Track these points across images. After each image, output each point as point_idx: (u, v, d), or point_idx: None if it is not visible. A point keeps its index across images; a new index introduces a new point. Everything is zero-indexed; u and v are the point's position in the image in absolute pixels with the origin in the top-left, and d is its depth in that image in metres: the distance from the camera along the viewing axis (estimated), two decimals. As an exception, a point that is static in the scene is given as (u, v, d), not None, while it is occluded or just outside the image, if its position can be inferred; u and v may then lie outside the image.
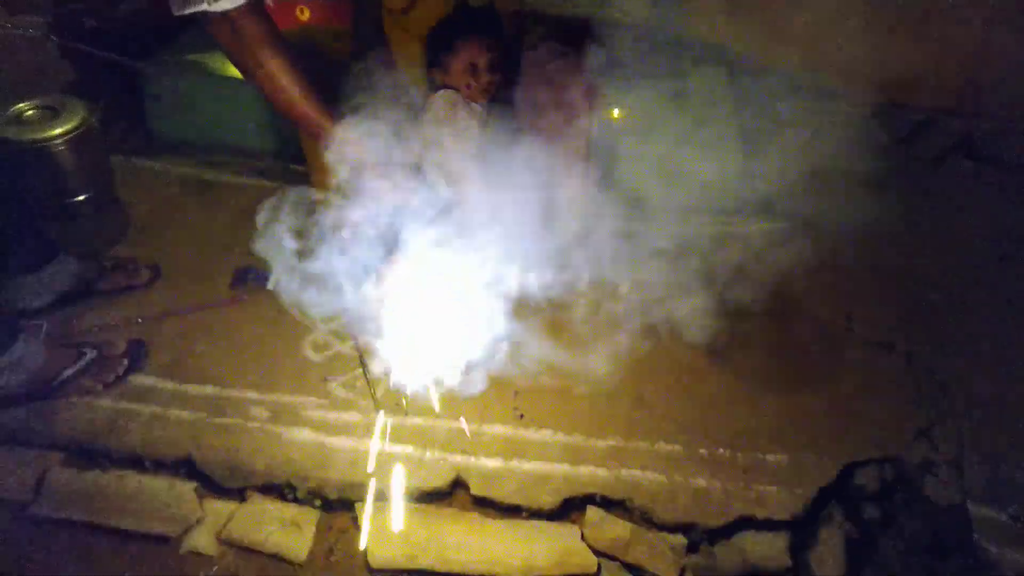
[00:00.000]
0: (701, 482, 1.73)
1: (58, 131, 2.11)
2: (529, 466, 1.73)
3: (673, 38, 3.13)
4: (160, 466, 1.71)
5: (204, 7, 1.45)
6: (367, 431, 1.75)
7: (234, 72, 2.52)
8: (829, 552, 1.62)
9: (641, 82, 2.73)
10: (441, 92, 2.05)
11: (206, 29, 1.52)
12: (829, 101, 3.14)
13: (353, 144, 1.66)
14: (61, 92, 2.37)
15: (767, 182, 2.69)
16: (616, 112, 2.56)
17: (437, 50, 2.05)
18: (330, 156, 1.66)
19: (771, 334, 2.11)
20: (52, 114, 2.16)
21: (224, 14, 1.47)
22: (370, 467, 1.65)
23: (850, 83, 3.00)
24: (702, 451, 1.79)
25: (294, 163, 2.57)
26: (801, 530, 1.66)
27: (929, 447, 1.83)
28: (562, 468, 1.74)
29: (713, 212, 2.56)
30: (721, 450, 1.79)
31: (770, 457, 1.78)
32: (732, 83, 2.88)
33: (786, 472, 1.75)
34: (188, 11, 1.46)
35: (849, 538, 1.65)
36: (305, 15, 2.54)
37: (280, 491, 1.69)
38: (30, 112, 2.16)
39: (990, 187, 2.79)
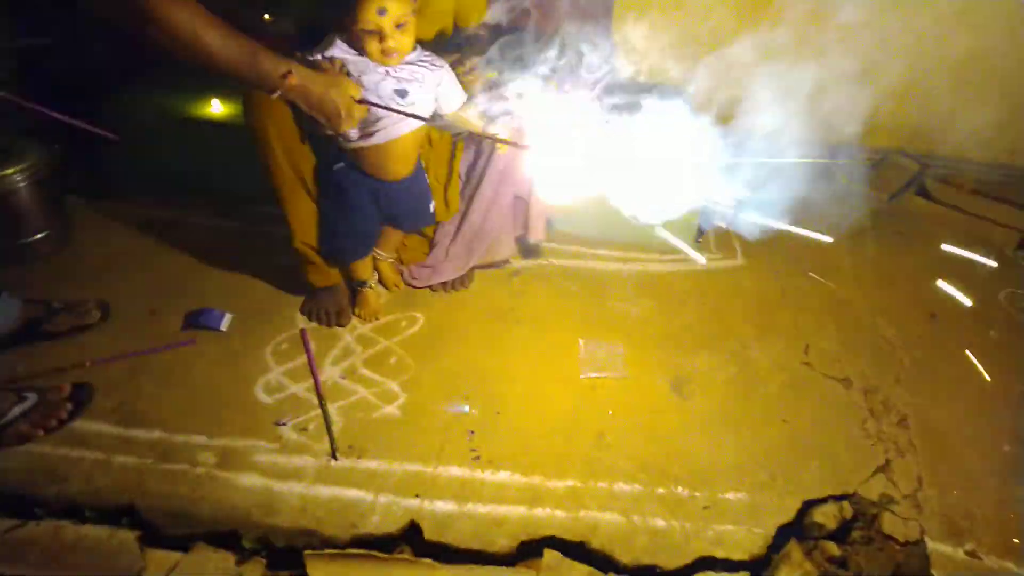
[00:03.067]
0: (660, 522, 1.70)
1: (8, 172, 2.09)
2: (485, 509, 1.69)
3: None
4: (102, 515, 1.65)
5: None
6: (319, 476, 1.71)
7: (196, 112, 2.55)
8: (788, 592, 1.59)
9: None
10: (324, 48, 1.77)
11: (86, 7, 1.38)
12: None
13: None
14: (21, 134, 2.33)
15: (724, 220, 2.73)
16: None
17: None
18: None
19: (731, 370, 2.11)
20: (4, 156, 2.13)
21: None
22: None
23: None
24: (661, 490, 1.77)
25: (255, 204, 2.55)
26: (760, 569, 1.64)
27: (887, 483, 1.83)
28: (519, 510, 1.70)
29: (672, 247, 2.59)
30: (680, 489, 1.77)
31: (730, 496, 1.76)
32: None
33: (745, 511, 1.73)
34: None
35: (809, 577, 1.63)
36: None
37: (226, 540, 1.63)
38: (-20, 153, 2.13)
39: (940, 223, 2.86)
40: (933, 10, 2.96)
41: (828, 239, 2.55)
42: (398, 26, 1.74)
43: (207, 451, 1.76)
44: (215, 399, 1.88)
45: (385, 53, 1.77)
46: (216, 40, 1.46)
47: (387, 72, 1.81)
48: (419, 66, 1.86)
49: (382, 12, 1.71)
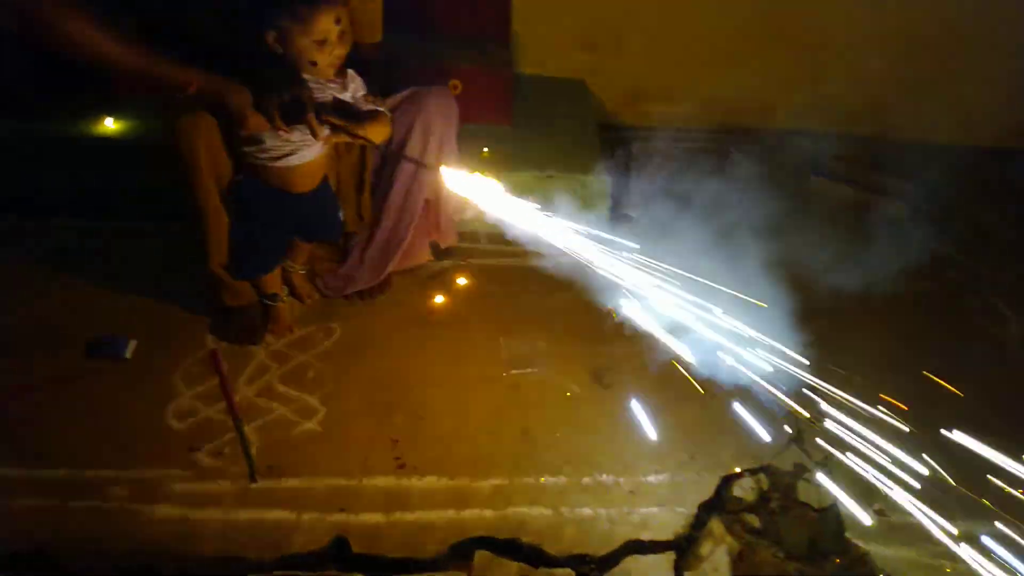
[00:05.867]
0: (587, 511, 1.73)
1: None
2: (413, 516, 1.69)
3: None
4: (8, 564, 1.56)
5: None
6: (238, 500, 1.66)
7: (84, 132, 2.43)
8: (712, 566, 1.64)
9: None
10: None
11: None
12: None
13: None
14: None
15: (633, 210, 2.79)
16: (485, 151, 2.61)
17: (271, 11, 1.73)
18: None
19: (647, 355, 2.16)
20: None
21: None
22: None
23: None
24: (586, 480, 1.80)
25: (153, 223, 2.45)
26: (685, 548, 1.69)
27: (800, 452, 1.91)
28: (447, 514, 1.70)
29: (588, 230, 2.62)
30: (605, 476, 1.81)
31: (651, 478, 1.81)
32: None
33: (667, 492, 1.78)
34: None
35: (731, 549, 1.69)
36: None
37: (146, 574, 1.57)
38: None
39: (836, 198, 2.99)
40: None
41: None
42: (341, 35, 1.77)
43: (118, 484, 1.69)
44: (124, 429, 1.81)
45: (333, 64, 1.80)
46: (117, 54, 1.52)
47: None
48: (332, 84, 1.86)
49: (338, 20, 1.75)
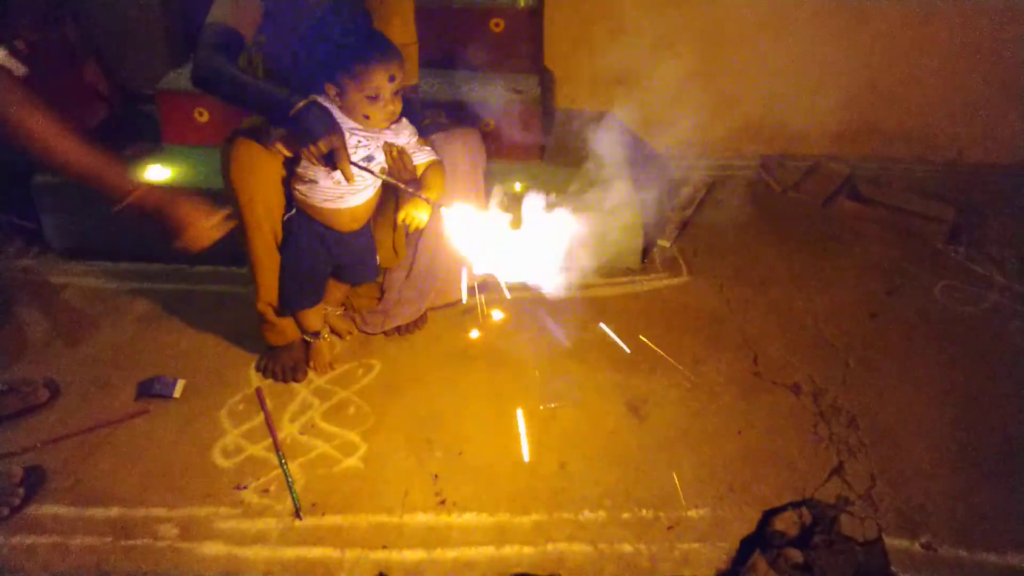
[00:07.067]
0: (627, 547, 1.72)
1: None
2: (454, 553, 1.70)
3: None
4: (63, 601, 1.62)
5: None
6: (283, 538, 1.70)
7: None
8: (756, 604, 1.62)
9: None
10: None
11: None
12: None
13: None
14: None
15: (667, 240, 2.79)
16: (518, 186, 2.64)
17: (333, 67, 1.80)
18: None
19: (684, 386, 2.16)
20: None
21: None
22: None
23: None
24: (626, 515, 1.79)
25: (198, 264, 2.54)
26: (728, 584, 1.67)
27: (842, 484, 1.88)
28: (488, 551, 1.71)
29: (619, 272, 2.64)
30: (644, 511, 1.80)
31: (692, 513, 1.80)
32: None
33: (708, 526, 1.77)
34: None
35: (775, 586, 1.67)
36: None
37: (195, 612, 1.61)
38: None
39: (872, 223, 2.96)
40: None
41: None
42: (395, 92, 1.84)
43: (168, 523, 1.73)
44: (173, 468, 1.86)
45: (387, 118, 1.87)
46: (66, 153, 1.52)
47: (359, 140, 1.86)
48: (384, 132, 1.93)
49: (392, 79, 1.81)
